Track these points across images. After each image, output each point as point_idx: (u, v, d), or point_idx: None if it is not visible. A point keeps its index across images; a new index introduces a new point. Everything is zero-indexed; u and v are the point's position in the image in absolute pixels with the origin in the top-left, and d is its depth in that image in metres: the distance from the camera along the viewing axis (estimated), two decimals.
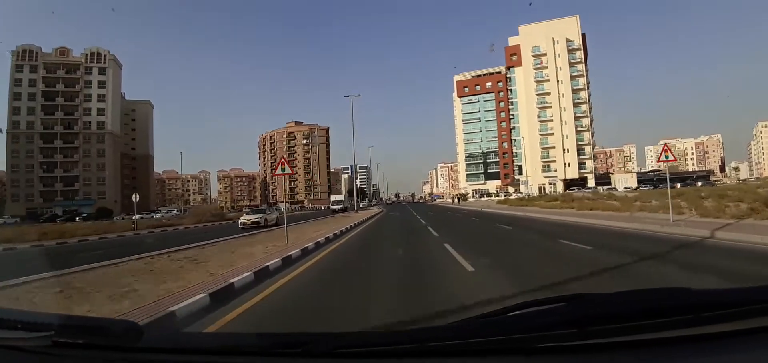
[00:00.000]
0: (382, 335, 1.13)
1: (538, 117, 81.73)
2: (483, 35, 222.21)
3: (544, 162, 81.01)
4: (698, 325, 0.97)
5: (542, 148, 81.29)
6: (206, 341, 1.49)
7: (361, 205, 75.22)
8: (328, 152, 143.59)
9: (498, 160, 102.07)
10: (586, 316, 1.01)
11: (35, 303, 5.37)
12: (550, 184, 78.57)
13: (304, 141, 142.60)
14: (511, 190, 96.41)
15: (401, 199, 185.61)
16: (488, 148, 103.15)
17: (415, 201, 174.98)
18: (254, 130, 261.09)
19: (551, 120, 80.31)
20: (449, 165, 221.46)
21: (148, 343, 1.17)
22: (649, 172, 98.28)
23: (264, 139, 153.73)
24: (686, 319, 0.97)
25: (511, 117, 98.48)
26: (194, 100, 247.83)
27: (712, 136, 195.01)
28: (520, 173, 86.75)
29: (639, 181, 76.68)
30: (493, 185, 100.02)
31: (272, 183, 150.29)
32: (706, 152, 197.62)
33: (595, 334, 0.97)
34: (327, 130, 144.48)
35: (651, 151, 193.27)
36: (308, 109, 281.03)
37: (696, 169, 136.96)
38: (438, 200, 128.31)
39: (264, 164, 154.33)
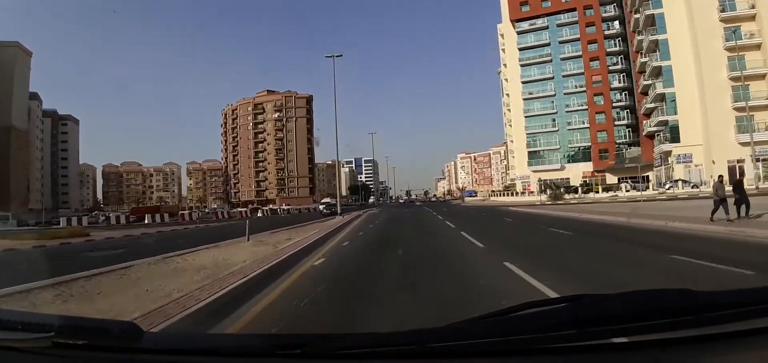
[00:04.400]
0: (382, 336, 1.10)
1: (721, 8, 37.44)
2: None
3: (738, 110, 36.46)
4: (699, 326, 0.96)
5: (733, 79, 36.88)
6: (206, 342, 1.46)
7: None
8: (310, 131, 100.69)
9: (587, 126, 58.10)
10: (587, 316, 0.99)
11: None
12: (756, 159, 34.41)
13: (276, 115, 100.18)
14: (612, 179, 52.75)
15: (413, 197, 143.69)
16: (567, 106, 59.20)
17: (430, 199, 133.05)
18: None
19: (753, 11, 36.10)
20: (472, 155, 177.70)
21: (148, 343, 1.17)
22: None
23: (226, 114, 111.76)
24: (687, 320, 0.96)
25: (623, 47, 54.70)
26: (166, 78, 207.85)
27: None
28: (667, 138, 42.36)
29: None
30: (576, 172, 56.40)
31: (235, 175, 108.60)
32: None
33: (595, 335, 0.96)
34: (308, 100, 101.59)
35: None
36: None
37: None
38: (469, 198, 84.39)
39: (226, 149, 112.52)
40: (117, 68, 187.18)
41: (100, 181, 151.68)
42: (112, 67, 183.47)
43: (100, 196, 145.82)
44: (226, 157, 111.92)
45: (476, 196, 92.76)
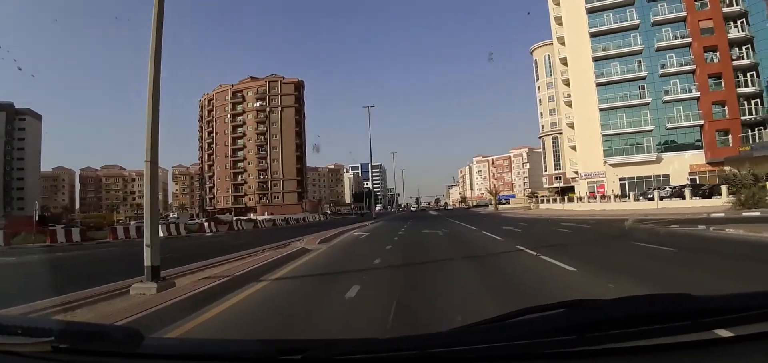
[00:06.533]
0: (382, 342, 1.11)
1: None
2: None
3: None
4: (698, 331, 0.96)
5: None
6: (207, 347, 1.46)
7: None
8: (299, 123, 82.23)
9: (695, 96, 38.69)
10: (586, 322, 0.99)
11: None
12: None
13: (258, 104, 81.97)
14: (737, 171, 33.21)
15: (424, 205, 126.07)
16: (663, 66, 39.81)
17: (442, 207, 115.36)
18: None
19: None
20: (490, 158, 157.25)
21: (148, 349, 1.16)
22: None
23: (202, 105, 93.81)
24: (686, 325, 0.96)
25: None
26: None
27: None
28: None
29: None
30: (681, 164, 36.91)
31: (210, 178, 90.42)
32: None
33: (595, 341, 0.96)
34: (297, 85, 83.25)
35: None
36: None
37: None
38: (502, 206, 65.14)
39: (202, 147, 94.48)
40: (105, 66, 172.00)
41: (78, 187, 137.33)
42: (99, 65, 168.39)
43: (77, 202, 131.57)
44: (202, 157, 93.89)
45: (506, 204, 73.31)
